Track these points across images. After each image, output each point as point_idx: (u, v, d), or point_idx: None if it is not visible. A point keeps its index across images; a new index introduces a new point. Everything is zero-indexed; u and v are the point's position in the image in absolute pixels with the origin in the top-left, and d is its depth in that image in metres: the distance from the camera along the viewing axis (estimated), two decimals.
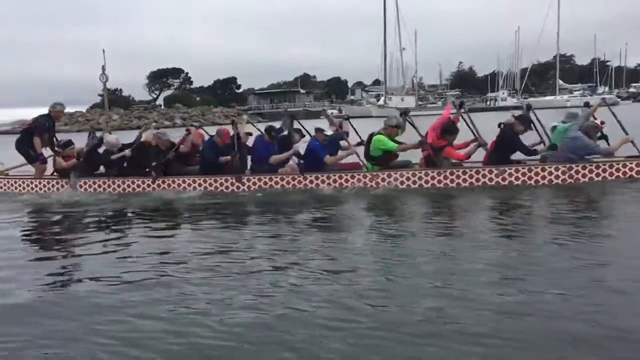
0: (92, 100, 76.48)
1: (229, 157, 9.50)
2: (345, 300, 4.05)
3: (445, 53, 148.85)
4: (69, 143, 10.32)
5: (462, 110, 9.16)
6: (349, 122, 10.14)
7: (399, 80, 76.27)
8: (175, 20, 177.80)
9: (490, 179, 8.79)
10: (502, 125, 9.32)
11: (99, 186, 10.01)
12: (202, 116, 63.78)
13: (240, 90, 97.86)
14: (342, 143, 9.66)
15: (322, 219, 7.27)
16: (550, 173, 8.69)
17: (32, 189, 10.39)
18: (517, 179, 8.75)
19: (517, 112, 9.40)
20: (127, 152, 9.93)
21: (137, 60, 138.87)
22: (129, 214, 8.35)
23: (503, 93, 79.55)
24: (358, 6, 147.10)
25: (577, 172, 8.65)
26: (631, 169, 8.62)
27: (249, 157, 10.01)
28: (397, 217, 7.35)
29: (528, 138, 9.16)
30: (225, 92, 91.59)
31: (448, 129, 8.94)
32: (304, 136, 9.99)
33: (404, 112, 9.70)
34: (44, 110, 10.53)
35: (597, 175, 8.63)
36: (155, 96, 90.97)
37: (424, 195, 8.50)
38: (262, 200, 8.90)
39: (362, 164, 9.36)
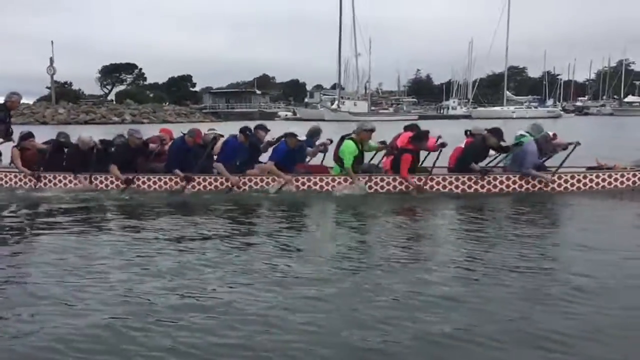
0: (41, 92, 74.33)
1: (181, 174, 9.18)
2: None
3: (406, 60, 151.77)
4: (29, 135, 9.80)
5: (441, 147, 8.95)
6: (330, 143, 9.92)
7: (354, 85, 76.92)
8: (136, 14, 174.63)
9: (457, 187, 8.84)
10: (468, 133, 9.33)
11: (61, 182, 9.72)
12: (153, 113, 62.70)
13: (196, 88, 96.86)
14: (308, 150, 9.63)
15: (276, 221, 7.17)
16: (514, 182, 8.78)
17: None
18: (482, 187, 8.80)
19: (490, 126, 9.41)
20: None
21: (91, 53, 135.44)
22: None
23: (453, 102, 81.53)
24: (324, 10, 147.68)
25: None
26: (591, 181, 8.80)
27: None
28: (359, 220, 7.31)
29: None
30: (179, 89, 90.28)
31: (418, 137, 8.86)
32: (269, 130, 9.95)
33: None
34: None
35: (559, 185, 8.78)
36: (107, 91, 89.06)
37: (390, 201, 8.42)
38: (216, 201, 8.60)
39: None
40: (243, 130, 9.27)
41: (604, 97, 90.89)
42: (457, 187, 8.83)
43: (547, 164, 9.24)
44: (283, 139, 9.34)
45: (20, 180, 9.80)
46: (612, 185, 8.79)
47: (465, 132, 9.43)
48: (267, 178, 9.10)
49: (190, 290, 4.39)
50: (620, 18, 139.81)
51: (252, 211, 7.92)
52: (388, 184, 8.90)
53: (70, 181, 9.63)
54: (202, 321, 3.78)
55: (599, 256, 5.25)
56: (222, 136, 9.75)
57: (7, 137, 9.99)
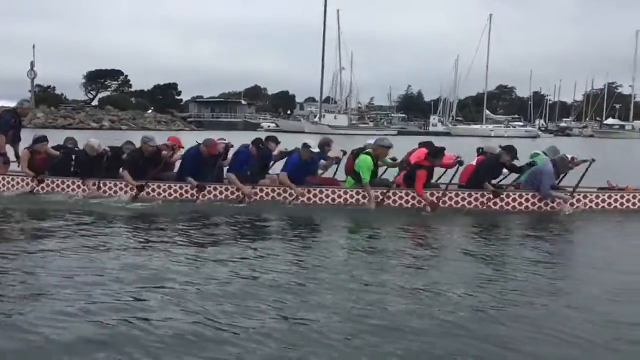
0: (24, 96, 74.31)
1: (194, 182, 9.08)
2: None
3: (400, 75, 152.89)
4: (42, 139, 9.68)
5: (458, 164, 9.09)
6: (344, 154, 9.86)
7: (341, 98, 77.39)
8: (126, 21, 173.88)
9: (469, 202, 8.87)
10: (480, 150, 9.42)
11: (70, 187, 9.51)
12: (132, 120, 62.85)
13: (187, 97, 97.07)
14: (321, 162, 9.56)
15: (290, 233, 7.27)
16: (527, 200, 8.86)
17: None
18: (495, 203, 8.85)
19: (504, 143, 9.53)
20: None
21: (78, 59, 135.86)
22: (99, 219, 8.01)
23: (434, 119, 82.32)
24: (317, 24, 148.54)
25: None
26: (603, 201, 8.93)
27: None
28: (370, 234, 7.41)
29: None
30: (164, 97, 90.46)
31: (435, 153, 8.88)
32: (279, 142, 9.84)
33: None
34: None
35: (571, 205, 8.77)
36: (91, 96, 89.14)
37: (402, 215, 8.47)
38: (235, 211, 8.57)
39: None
40: (256, 142, 9.32)
41: (587, 119, 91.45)
42: (469, 203, 8.88)
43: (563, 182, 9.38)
44: (295, 150, 9.36)
45: (25, 183, 9.58)
46: (623, 207, 8.94)
47: (477, 149, 9.50)
48: (279, 189, 9.07)
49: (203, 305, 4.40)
50: (605, 41, 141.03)
51: (262, 223, 7.98)
52: (400, 198, 8.92)
53: (78, 187, 9.42)
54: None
55: (607, 276, 5.40)
56: (232, 146, 9.76)
57: (15, 144, 9.96)
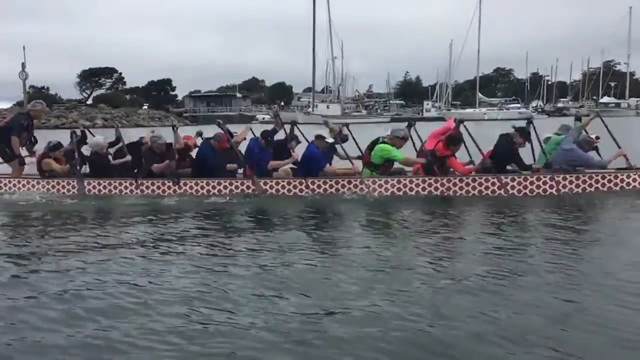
0: (19, 97, 74.55)
1: (235, 165, 9.47)
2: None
3: (399, 61, 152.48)
4: (59, 145, 9.96)
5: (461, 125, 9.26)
6: (348, 128, 10.04)
7: (334, 87, 77.32)
8: (123, 19, 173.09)
9: (487, 187, 8.97)
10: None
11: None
12: (126, 117, 62.98)
13: (185, 92, 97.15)
14: (339, 150, 9.69)
15: (313, 225, 7.33)
16: (544, 183, 8.92)
17: (11, 188, 10.04)
18: (512, 187, 8.95)
19: (517, 124, 9.59)
20: (128, 157, 9.82)
21: (74, 58, 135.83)
22: (109, 218, 8.21)
23: (427, 104, 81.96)
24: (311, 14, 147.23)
25: (570, 182, 8.90)
26: (622, 181, 8.95)
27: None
28: (391, 224, 7.57)
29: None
30: (159, 93, 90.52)
31: (454, 140, 9.01)
32: (300, 142, 10.01)
33: (410, 124, 9.62)
34: None
35: (590, 186, 8.91)
36: (86, 95, 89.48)
37: (419, 203, 8.60)
38: (253, 205, 8.80)
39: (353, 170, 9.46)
40: (264, 135, 9.52)
41: (584, 98, 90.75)
42: (487, 187, 8.97)
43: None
44: (312, 142, 9.55)
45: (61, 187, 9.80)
46: None
47: (500, 136, 9.50)
48: (295, 181, 9.29)
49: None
50: (600, 19, 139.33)
51: (280, 215, 8.15)
52: (417, 185, 9.08)
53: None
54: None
55: (628, 257, 5.37)
56: (245, 139, 10.07)
57: (30, 146, 10.24)
